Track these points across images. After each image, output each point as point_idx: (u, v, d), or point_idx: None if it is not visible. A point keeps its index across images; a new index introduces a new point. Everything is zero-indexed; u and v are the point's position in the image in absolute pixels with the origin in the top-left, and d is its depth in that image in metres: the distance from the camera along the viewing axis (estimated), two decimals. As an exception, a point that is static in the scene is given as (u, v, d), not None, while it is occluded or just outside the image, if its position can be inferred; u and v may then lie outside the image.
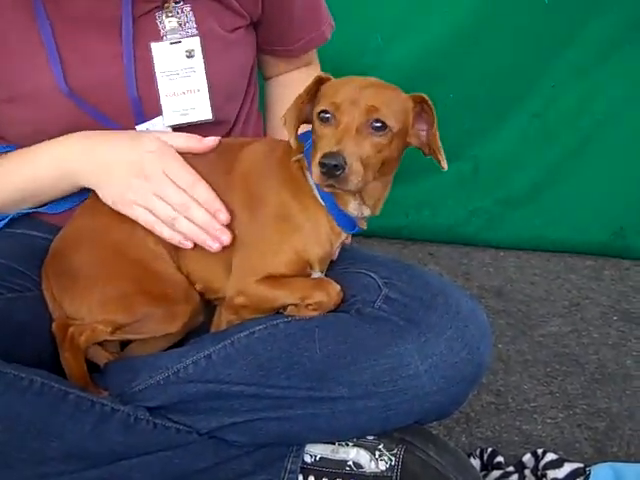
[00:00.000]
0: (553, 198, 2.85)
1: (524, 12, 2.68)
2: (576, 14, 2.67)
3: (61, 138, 1.60)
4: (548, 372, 2.19)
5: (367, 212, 1.53)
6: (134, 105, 1.64)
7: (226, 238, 1.51)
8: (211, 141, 1.58)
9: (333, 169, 1.34)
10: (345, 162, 1.34)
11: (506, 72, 2.74)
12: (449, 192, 2.87)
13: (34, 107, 1.61)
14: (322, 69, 1.99)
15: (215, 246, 1.52)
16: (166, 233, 1.54)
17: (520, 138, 2.84)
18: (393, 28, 2.71)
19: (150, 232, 1.55)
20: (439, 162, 1.47)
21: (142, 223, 1.54)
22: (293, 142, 1.47)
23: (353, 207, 1.51)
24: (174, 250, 1.56)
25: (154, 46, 1.63)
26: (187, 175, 1.54)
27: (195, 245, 1.54)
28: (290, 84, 1.91)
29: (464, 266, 2.78)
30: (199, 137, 1.58)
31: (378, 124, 1.39)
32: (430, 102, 1.44)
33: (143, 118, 1.65)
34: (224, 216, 1.51)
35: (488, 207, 2.89)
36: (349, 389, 1.45)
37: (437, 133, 1.44)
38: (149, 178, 1.53)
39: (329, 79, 1.46)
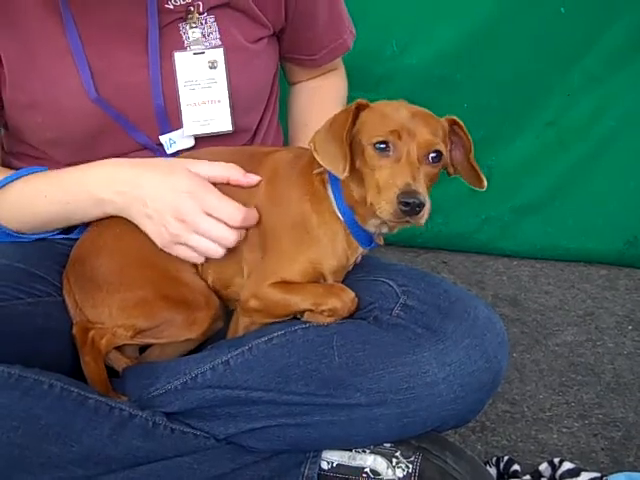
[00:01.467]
0: (567, 207, 2.85)
1: (540, 20, 2.68)
2: (592, 23, 2.67)
3: (93, 165, 1.58)
4: (563, 381, 2.18)
5: (385, 230, 1.54)
6: (159, 114, 1.65)
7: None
8: (254, 180, 1.55)
9: (416, 207, 1.34)
10: (425, 200, 1.35)
11: (521, 80, 2.74)
12: (462, 200, 2.86)
13: (59, 113, 1.61)
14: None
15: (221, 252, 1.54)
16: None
17: (534, 146, 2.84)
18: (408, 35, 2.72)
19: None
20: (473, 183, 1.50)
21: (185, 259, 1.53)
22: (346, 173, 1.41)
23: (372, 224, 1.52)
24: None
25: (177, 56, 1.64)
26: (230, 208, 1.50)
27: None
28: (314, 89, 1.93)
29: (478, 274, 2.78)
30: (241, 170, 1.55)
31: (435, 155, 1.41)
32: (463, 125, 1.47)
33: (167, 128, 1.66)
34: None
35: (502, 215, 2.89)
36: (367, 396, 1.45)
37: (473, 156, 1.47)
38: (187, 218, 1.49)
39: (368, 105, 1.46)
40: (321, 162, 1.44)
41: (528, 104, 2.79)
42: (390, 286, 1.57)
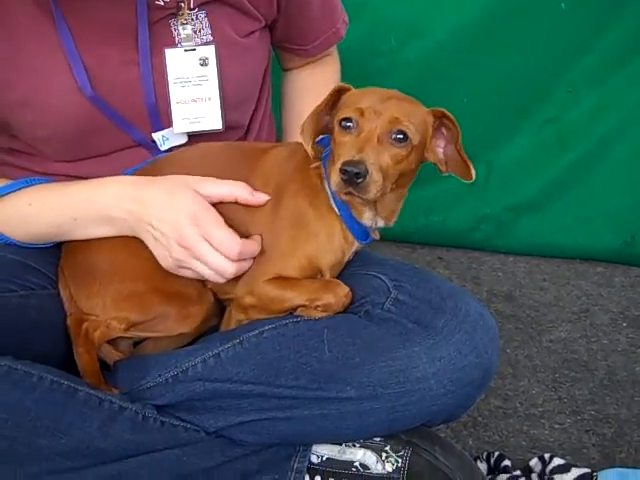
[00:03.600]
0: (565, 205, 2.83)
1: (541, 16, 2.66)
2: (593, 20, 2.65)
3: (102, 182, 1.57)
4: (556, 377, 2.18)
5: (381, 223, 1.54)
6: (151, 112, 1.64)
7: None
8: (263, 199, 1.54)
9: (354, 177, 1.34)
10: (367, 170, 1.34)
11: (521, 77, 2.73)
12: (460, 197, 2.86)
13: (50, 111, 1.59)
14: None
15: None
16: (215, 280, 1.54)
17: (534, 144, 2.82)
18: (407, 30, 2.71)
19: None
20: (462, 176, 1.49)
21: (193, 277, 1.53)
22: (310, 150, 1.47)
23: (368, 217, 1.52)
24: None
25: (168, 52, 1.63)
26: (229, 241, 1.49)
27: None
28: (309, 79, 1.93)
29: (474, 270, 2.78)
30: (249, 188, 1.54)
31: (400, 135, 1.40)
32: (451, 117, 1.46)
33: (160, 125, 1.66)
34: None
35: (499, 213, 2.87)
36: (357, 390, 1.45)
37: (461, 146, 1.46)
38: (189, 244, 1.48)
39: (349, 89, 1.47)
40: (302, 141, 1.47)
41: (528, 101, 2.78)
42: (382, 280, 1.57)
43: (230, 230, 1.50)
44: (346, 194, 1.39)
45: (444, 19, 2.70)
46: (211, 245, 1.48)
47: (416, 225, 2.89)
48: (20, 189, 1.60)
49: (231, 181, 1.54)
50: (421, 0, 2.70)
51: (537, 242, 2.87)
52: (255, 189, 1.54)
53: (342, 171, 1.34)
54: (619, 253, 2.82)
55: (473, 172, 1.47)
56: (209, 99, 1.66)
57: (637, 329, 2.43)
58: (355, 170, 1.34)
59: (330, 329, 1.49)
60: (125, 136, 1.65)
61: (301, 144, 1.55)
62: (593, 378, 2.18)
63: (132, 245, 1.57)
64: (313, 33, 1.85)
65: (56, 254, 1.65)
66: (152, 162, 1.64)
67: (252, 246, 1.51)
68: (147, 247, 1.55)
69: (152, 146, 1.68)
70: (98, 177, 1.59)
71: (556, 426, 1.99)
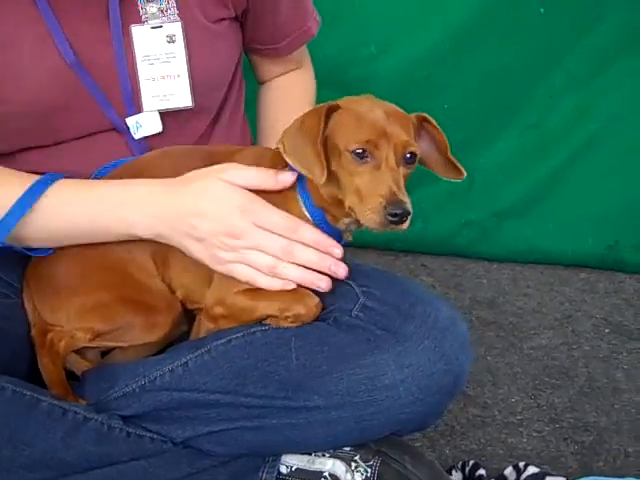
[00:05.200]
0: (548, 210, 2.83)
1: (520, 22, 2.66)
2: (572, 25, 2.66)
3: (126, 183, 1.52)
4: (536, 385, 2.16)
5: (354, 227, 1.52)
6: (125, 92, 1.62)
7: (342, 271, 1.47)
8: (289, 180, 1.47)
9: (404, 217, 1.35)
10: (410, 210, 1.36)
11: (502, 83, 2.73)
12: (442, 204, 2.85)
13: (19, 79, 1.55)
14: (316, 79, 1.99)
15: (324, 285, 1.47)
16: (263, 283, 1.46)
17: (515, 149, 2.81)
18: (386, 37, 2.70)
19: (133, 242, 1.52)
20: (450, 176, 1.50)
21: (240, 278, 1.46)
22: (324, 178, 1.37)
23: (343, 223, 1.50)
24: (160, 261, 1.54)
25: (134, 29, 1.61)
26: (285, 220, 1.45)
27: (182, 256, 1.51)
28: (282, 87, 1.91)
29: (457, 278, 2.76)
30: (271, 173, 1.47)
31: (410, 156, 1.40)
32: (433, 120, 1.47)
33: (132, 108, 1.63)
34: (339, 251, 1.47)
35: (482, 219, 2.86)
36: (325, 399, 1.43)
37: (448, 147, 1.47)
38: (241, 235, 1.43)
39: (339, 106, 1.43)
40: (295, 166, 1.42)
41: (509, 106, 2.78)
42: (351, 286, 1.55)
43: (284, 212, 1.45)
44: (387, 230, 1.38)
45: (423, 26, 2.69)
46: (266, 230, 1.44)
47: (397, 233, 2.85)
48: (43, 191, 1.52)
49: (255, 167, 1.48)
50: (401, 6, 2.69)
51: (521, 248, 2.86)
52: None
53: (392, 214, 1.34)
54: (603, 258, 2.81)
55: (464, 171, 1.48)
56: (178, 76, 1.64)
57: (619, 335, 2.41)
58: (405, 212, 1.35)
59: (298, 337, 1.47)
60: (100, 116, 1.61)
61: (268, 148, 1.54)
62: (573, 385, 2.17)
63: (97, 256, 1.55)
64: (283, 30, 1.82)
65: (22, 262, 1.62)
66: (116, 168, 1.61)
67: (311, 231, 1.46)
68: (113, 258, 1.53)
69: (126, 131, 1.64)
70: (70, 166, 1.57)
71: (534, 434, 1.97)
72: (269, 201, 1.47)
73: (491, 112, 2.77)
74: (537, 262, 2.86)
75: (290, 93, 1.90)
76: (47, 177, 1.52)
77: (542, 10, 2.65)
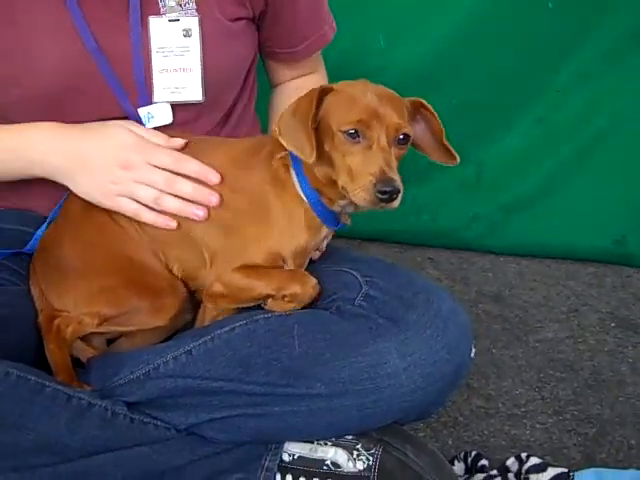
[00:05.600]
0: (555, 204, 2.82)
1: (529, 16, 2.66)
2: (581, 19, 2.65)
3: (27, 126, 1.60)
4: (541, 377, 2.16)
5: (350, 209, 1.53)
6: (139, 82, 1.64)
7: (214, 199, 1.53)
8: (178, 143, 1.59)
9: (392, 195, 1.37)
10: (399, 188, 1.38)
11: (510, 77, 2.73)
12: (450, 197, 2.86)
13: (37, 63, 1.59)
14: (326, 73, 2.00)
15: (201, 214, 1.53)
16: (149, 217, 1.54)
17: (523, 144, 2.81)
18: (395, 31, 2.70)
19: (133, 224, 1.56)
20: (444, 161, 1.52)
21: (126, 213, 1.55)
22: (314, 157, 1.41)
23: (339, 205, 1.52)
24: (156, 240, 1.57)
25: (152, 21, 1.63)
26: (170, 154, 1.55)
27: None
28: (294, 89, 1.89)
29: (463, 271, 2.76)
30: (165, 136, 1.60)
31: (403, 138, 1.43)
32: (429, 106, 1.49)
33: (145, 99, 1.65)
34: (215, 176, 1.53)
35: (489, 213, 2.87)
36: (327, 386, 1.44)
37: (444, 132, 1.50)
38: (131, 167, 1.53)
39: (332, 89, 1.46)
40: (287, 146, 1.45)
41: (517, 101, 2.77)
42: (354, 276, 1.56)
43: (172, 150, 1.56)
44: (377, 208, 1.41)
45: (432, 21, 2.70)
46: (154, 166, 1.54)
47: (406, 225, 2.87)
48: None
49: (151, 129, 1.62)
50: (409, 2, 2.69)
51: (528, 242, 2.86)
52: (220, 180, 1.55)
53: (381, 192, 1.37)
54: (610, 252, 2.80)
55: (457, 157, 1.51)
56: (190, 70, 1.66)
57: (625, 329, 2.41)
58: (394, 189, 1.37)
59: (301, 325, 1.48)
60: (114, 104, 1.64)
61: (267, 136, 1.56)
62: (578, 378, 2.16)
63: (102, 241, 1.57)
64: (300, 35, 1.83)
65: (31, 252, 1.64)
66: None
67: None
68: (117, 242, 1.56)
69: (138, 121, 1.66)
70: None
71: (538, 426, 1.97)
72: (265, 182, 1.52)
73: (499, 107, 2.77)
74: (544, 256, 2.86)
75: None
76: None
77: (550, 5, 2.64)
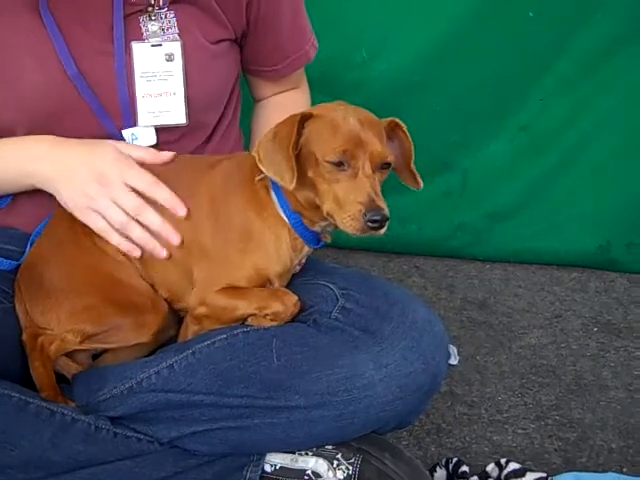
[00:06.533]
0: (540, 211, 2.85)
1: (510, 25, 2.68)
2: (561, 27, 2.67)
3: (25, 138, 1.63)
4: (524, 383, 2.19)
5: (330, 229, 1.56)
6: (123, 105, 1.66)
7: (176, 239, 1.54)
8: (166, 156, 1.61)
9: (383, 223, 1.40)
10: (388, 216, 1.40)
11: (493, 85, 2.75)
12: (435, 205, 2.87)
13: (23, 89, 1.62)
14: (308, 84, 2.03)
15: (163, 254, 1.55)
16: (115, 240, 1.56)
17: (507, 152, 2.83)
18: (378, 42, 2.72)
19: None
20: (409, 183, 1.57)
21: (94, 229, 1.57)
22: (294, 184, 1.43)
23: (319, 226, 1.55)
24: (139, 260, 1.59)
25: (135, 46, 1.66)
26: (145, 177, 1.56)
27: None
28: (278, 107, 1.93)
29: (449, 278, 2.78)
30: (154, 151, 1.61)
31: (385, 164, 1.46)
32: (404, 126, 1.52)
33: (130, 121, 1.68)
34: (182, 210, 1.55)
35: (475, 221, 2.89)
36: (305, 398, 1.47)
37: (414, 159, 1.54)
38: (107, 184, 1.54)
39: (312, 115, 1.48)
40: (267, 173, 1.47)
41: (501, 109, 2.79)
42: (331, 289, 1.59)
43: (148, 172, 1.57)
44: (365, 235, 1.43)
45: (415, 30, 2.71)
46: (129, 187, 1.55)
47: (392, 234, 2.87)
48: None
49: (143, 146, 1.64)
50: (392, 11, 2.71)
51: (513, 249, 2.88)
52: (201, 201, 1.56)
53: (371, 221, 1.39)
54: (595, 258, 2.83)
55: (421, 182, 1.54)
56: (174, 94, 1.69)
57: (607, 334, 2.43)
58: (384, 217, 1.40)
59: (279, 338, 1.50)
60: (97, 126, 1.66)
61: (248, 156, 1.57)
62: (560, 383, 2.19)
63: (85, 259, 1.60)
64: (282, 53, 1.86)
65: (16, 270, 1.66)
66: None
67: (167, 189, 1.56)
68: (100, 261, 1.58)
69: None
70: None
71: (519, 431, 1.99)
72: (247, 204, 1.54)
73: (482, 115, 2.79)
74: (529, 262, 2.88)
75: (285, 111, 1.92)
76: None
77: (531, 14, 2.66)
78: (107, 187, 1.54)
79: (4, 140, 1.64)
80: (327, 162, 1.43)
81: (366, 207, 1.40)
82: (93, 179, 1.55)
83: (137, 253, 1.56)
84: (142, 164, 1.58)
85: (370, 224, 1.40)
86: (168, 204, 1.55)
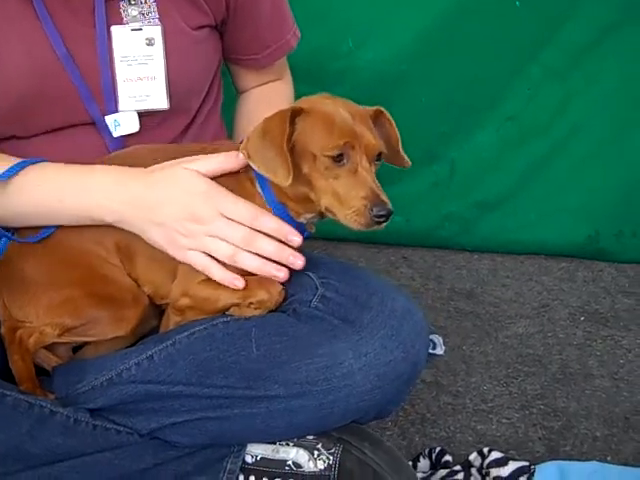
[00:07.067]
0: (528, 201, 2.84)
1: (497, 15, 2.67)
2: (548, 17, 2.66)
3: (97, 169, 1.56)
4: (509, 373, 2.19)
5: (315, 220, 1.55)
6: (106, 90, 1.65)
7: (300, 262, 1.50)
8: (242, 159, 1.50)
9: (388, 217, 1.40)
10: (392, 210, 1.40)
11: (481, 75, 2.74)
12: (423, 197, 2.87)
13: (11, 64, 1.59)
14: (294, 74, 2.01)
15: (282, 275, 1.50)
16: (218, 275, 1.49)
17: (495, 142, 2.82)
18: (364, 32, 2.71)
19: (100, 238, 1.56)
20: (397, 164, 1.56)
21: (195, 266, 1.50)
22: (290, 179, 1.41)
23: (305, 217, 1.54)
24: (126, 258, 1.57)
25: (115, 30, 1.64)
26: (246, 209, 1.48)
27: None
28: (260, 96, 1.92)
29: (437, 269, 2.78)
30: (227, 158, 1.52)
31: (378, 155, 1.46)
32: (388, 115, 1.52)
33: (112, 107, 1.66)
34: (298, 239, 1.50)
35: (463, 211, 2.88)
36: (285, 388, 1.46)
37: (401, 145, 1.54)
38: (203, 221, 1.47)
39: (302, 110, 1.46)
40: (259, 170, 1.45)
41: (488, 99, 2.78)
42: (310, 278, 1.58)
43: (247, 201, 1.49)
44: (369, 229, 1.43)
45: (401, 20, 2.70)
46: (228, 218, 1.47)
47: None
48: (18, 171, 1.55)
49: (214, 155, 1.53)
50: (378, 2, 2.71)
51: (502, 239, 2.87)
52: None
53: (378, 215, 1.39)
54: (583, 248, 2.82)
55: (409, 161, 1.55)
56: (154, 78, 1.67)
57: (594, 323, 2.43)
58: (391, 211, 1.40)
59: (258, 328, 1.49)
60: (81, 110, 1.64)
61: (231, 145, 1.56)
62: (546, 372, 2.19)
63: (64, 252, 1.58)
64: (263, 42, 1.84)
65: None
66: None
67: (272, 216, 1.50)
68: (79, 253, 1.56)
69: (105, 128, 1.67)
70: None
71: (504, 421, 1.99)
72: (230, 188, 1.51)
73: (470, 105, 2.78)
74: (518, 253, 2.87)
75: (268, 102, 1.90)
76: (27, 161, 1.56)
77: (518, 3, 2.66)
78: (205, 225, 1.47)
79: (61, 171, 1.57)
80: (326, 156, 1.42)
81: (371, 202, 1.39)
82: (186, 217, 1.47)
83: (241, 284, 1.49)
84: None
85: (376, 219, 1.39)
86: (279, 234, 1.49)
